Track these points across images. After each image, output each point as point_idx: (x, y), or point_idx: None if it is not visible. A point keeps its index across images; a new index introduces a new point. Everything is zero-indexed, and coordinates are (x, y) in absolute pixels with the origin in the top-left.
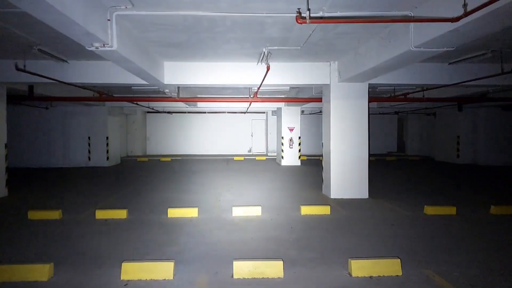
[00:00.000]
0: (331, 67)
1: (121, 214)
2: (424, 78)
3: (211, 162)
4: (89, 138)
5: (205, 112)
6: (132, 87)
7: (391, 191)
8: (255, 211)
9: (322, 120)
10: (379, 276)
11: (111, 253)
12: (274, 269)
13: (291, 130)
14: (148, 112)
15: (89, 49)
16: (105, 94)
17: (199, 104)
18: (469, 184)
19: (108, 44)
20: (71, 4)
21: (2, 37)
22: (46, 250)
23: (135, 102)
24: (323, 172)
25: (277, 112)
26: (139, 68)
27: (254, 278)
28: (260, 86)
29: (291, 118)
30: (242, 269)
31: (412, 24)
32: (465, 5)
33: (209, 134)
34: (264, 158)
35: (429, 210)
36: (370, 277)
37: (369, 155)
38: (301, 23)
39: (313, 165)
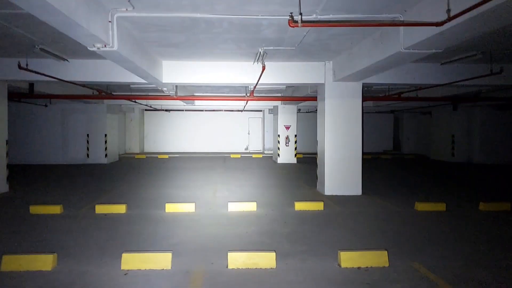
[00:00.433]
0: (326, 67)
1: (120, 208)
2: (417, 78)
3: (208, 160)
4: (87, 135)
5: (202, 110)
6: (131, 85)
7: (384, 188)
8: (250, 207)
9: (317, 118)
10: (367, 267)
11: (111, 245)
12: (267, 260)
13: (288, 128)
14: (146, 110)
15: (91, 49)
16: (104, 92)
17: (196, 102)
18: (462, 182)
19: (109, 45)
20: (75, 8)
21: (6, 37)
22: (48, 242)
23: (134, 100)
24: (318, 169)
25: (273, 111)
26: (138, 68)
27: (248, 268)
28: (256, 85)
29: (288, 116)
30: (237, 259)
31: (401, 26)
32: (448, 11)
33: (206, 132)
34: (260, 156)
35: (420, 206)
36: (358, 268)
37: (363, 153)
38: (293, 27)
39: (309, 163)
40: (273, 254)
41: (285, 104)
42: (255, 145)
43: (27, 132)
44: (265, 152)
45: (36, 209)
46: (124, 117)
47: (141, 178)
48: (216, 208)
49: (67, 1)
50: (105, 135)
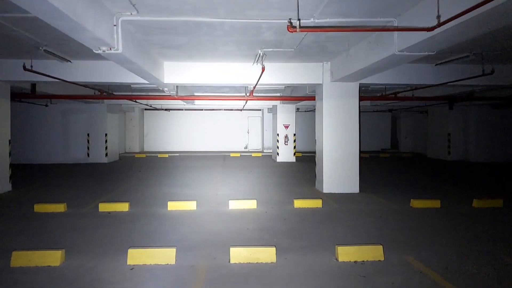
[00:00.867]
0: (324, 68)
1: (123, 207)
2: (412, 78)
3: (208, 159)
4: (88, 134)
5: (202, 110)
6: (131, 85)
7: (381, 186)
8: (251, 204)
9: (316, 117)
10: (363, 261)
11: (116, 241)
12: (267, 254)
13: (287, 127)
14: (146, 109)
15: (96, 52)
16: (105, 92)
17: (196, 101)
18: (457, 179)
19: (114, 48)
20: (82, 12)
21: (12, 39)
22: (55, 239)
23: (134, 100)
24: (316, 167)
25: (272, 110)
26: (141, 69)
27: (249, 262)
28: (256, 85)
29: (287, 116)
30: (238, 254)
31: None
32: (438, 17)
33: (206, 131)
34: (260, 154)
35: (415, 203)
36: (355, 261)
37: (361, 151)
38: (292, 32)
39: (308, 162)
40: (273, 249)
41: (284, 104)
42: (255, 144)
43: (28, 131)
44: (265, 151)
45: (41, 208)
46: (124, 117)
47: (142, 177)
48: (217, 205)
49: (74, 6)
50: (106, 134)
